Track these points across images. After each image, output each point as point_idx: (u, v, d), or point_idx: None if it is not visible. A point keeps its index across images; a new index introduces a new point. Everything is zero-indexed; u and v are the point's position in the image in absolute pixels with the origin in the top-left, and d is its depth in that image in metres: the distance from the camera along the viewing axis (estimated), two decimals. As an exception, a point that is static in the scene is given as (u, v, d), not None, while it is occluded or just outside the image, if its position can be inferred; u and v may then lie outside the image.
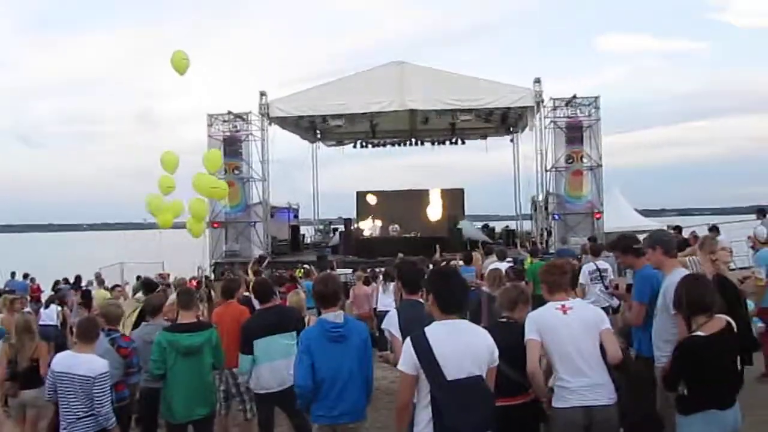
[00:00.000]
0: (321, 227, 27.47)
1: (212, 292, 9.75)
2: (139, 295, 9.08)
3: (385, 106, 20.07)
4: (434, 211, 24.64)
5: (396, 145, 26.39)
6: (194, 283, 11.99)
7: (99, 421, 4.30)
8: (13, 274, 18.83)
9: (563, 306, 3.62)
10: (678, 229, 13.67)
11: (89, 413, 4.29)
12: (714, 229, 12.52)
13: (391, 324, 4.07)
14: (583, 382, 3.47)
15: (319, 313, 4.38)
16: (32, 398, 5.69)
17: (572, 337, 3.51)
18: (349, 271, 15.01)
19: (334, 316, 3.93)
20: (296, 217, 26.30)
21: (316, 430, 4.05)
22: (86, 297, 10.45)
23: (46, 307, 10.31)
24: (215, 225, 20.54)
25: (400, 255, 12.89)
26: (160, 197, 8.16)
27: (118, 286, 13.10)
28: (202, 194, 8.25)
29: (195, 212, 8.22)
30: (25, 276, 18.92)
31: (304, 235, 25.89)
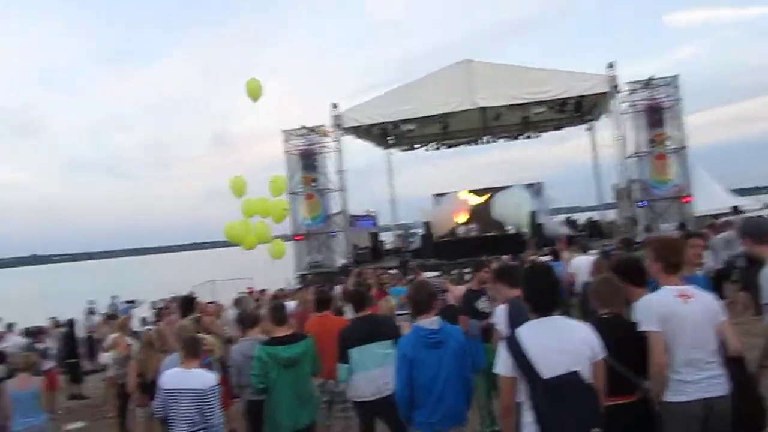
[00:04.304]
0: (400, 233, 27.63)
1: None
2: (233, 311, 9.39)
3: (456, 106, 20.01)
4: (513, 207, 24.25)
5: (469, 144, 26.24)
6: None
7: None
8: (113, 297, 20.13)
9: (683, 294, 3.40)
10: None
11: (199, 427, 4.44)
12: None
13: (498, 321, 4.62)
14: (703, 374, 3.31)
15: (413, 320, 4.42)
16: None
17: (695, 328, 3.33)
18: (433, 274, 14.98)
19: (429, 322, 3.94)
20: (375, 224, 26.57)
21: (418, 437, 4.06)
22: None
23: None
24: (297, 238, 21.08)
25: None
26: (235, 223, 8.49)
27: (211, 303, 13.65)
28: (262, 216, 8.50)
29: (259, 234, 8.49)
30: (130, 301, 20.23)
31: (383, 241, 26.12)
